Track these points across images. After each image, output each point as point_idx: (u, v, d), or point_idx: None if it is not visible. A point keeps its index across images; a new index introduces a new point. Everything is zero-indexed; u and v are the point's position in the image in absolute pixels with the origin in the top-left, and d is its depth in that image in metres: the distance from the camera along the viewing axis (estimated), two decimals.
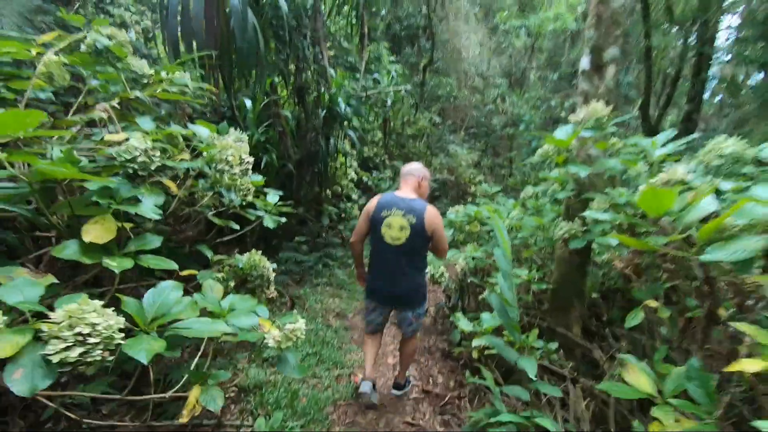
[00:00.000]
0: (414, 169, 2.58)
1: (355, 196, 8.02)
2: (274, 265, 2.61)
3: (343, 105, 4.69)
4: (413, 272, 2.45)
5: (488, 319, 2.65)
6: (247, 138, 2.07)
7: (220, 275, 2.11)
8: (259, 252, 2.30)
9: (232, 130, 2.07)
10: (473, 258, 3.67)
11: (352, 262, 6.54)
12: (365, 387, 2.51)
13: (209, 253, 2.42)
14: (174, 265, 1.59)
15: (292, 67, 5.22)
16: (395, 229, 2.36)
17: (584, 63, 2.63)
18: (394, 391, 2.90)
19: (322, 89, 4.90)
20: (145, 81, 2.18)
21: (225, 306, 1.66)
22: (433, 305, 5.28)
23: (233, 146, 1.83)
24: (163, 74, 2.36)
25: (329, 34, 6.03)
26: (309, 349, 3.38)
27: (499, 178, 12.76)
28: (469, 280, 3.90)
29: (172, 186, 1.87)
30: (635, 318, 2.53)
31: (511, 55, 15.20)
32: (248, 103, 4.12)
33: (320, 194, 6.48)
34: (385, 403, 2.82)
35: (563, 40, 14.12)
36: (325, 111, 4.86)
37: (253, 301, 1.71)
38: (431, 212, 2.36)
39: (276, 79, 4.73)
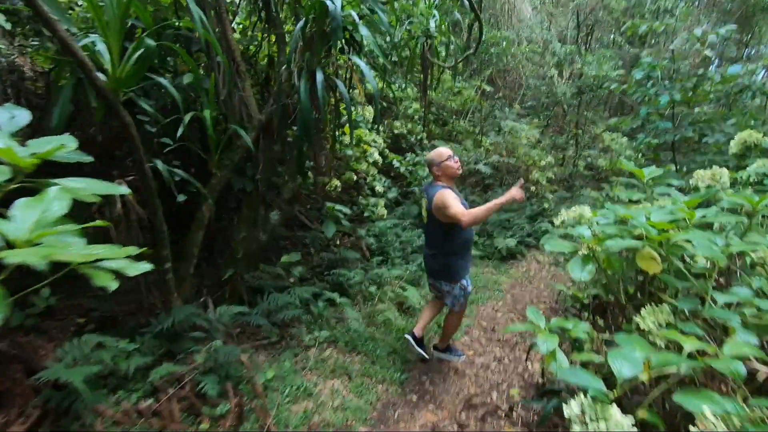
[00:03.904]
0: (427, 159, 2.91)
1: (380, 188, 5.54)
2: None
3: (339, 1, 2.27)
4: (438, 246, 2.87)
5: None
6: None
7: None
8: None
9: None
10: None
11: (376, 290, 4.17)
12: (408, 336, 3.02)
13: None
14: None
15: None
16: (423, 210, 2.92)
17: None
18: (435, 352, 3.18)
19: None
20: None
21: None
22: (517, 385, 2.84)
23: None
24: None
25: None
26: None
27: (560, 160, 9.85)
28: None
29: None
30: None
31: (577, 10, 12.09)
32: None
33: (324, 185, 4.10)
34: None
35: None
36: (305, 21, 2.45)
37: None
38: (437, 196, 2.68)
39: None
